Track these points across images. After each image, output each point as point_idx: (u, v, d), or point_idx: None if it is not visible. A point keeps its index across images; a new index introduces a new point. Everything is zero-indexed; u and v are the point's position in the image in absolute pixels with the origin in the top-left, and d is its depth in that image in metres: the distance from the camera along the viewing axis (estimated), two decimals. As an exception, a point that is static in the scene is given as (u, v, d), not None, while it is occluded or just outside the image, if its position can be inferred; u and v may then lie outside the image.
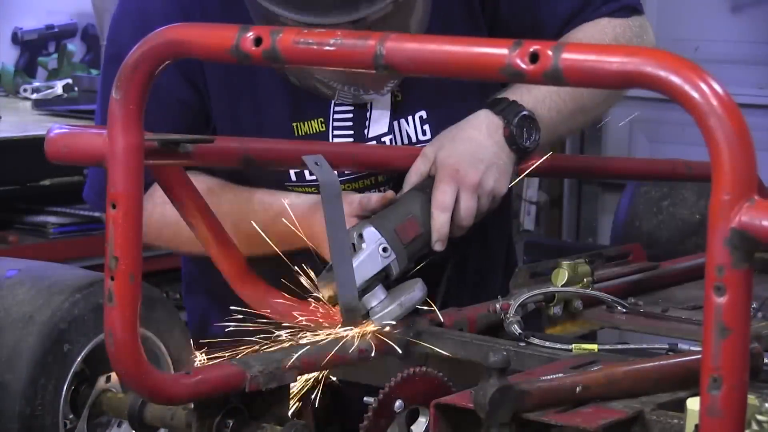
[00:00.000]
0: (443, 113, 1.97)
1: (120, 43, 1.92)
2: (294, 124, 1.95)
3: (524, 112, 1.87)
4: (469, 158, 1.83)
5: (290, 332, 1.68)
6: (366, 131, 1.97)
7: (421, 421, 1.49)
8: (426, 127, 1.99)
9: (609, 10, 2.03)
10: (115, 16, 2.02)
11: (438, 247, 1.78)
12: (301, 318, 1.71)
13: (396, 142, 1.98)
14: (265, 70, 1.93)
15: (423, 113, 1.99)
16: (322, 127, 1.95)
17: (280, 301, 1.80)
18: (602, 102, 2.05)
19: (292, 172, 1.94)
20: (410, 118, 1.99)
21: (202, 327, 2.04)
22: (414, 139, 1.98)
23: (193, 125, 1.92)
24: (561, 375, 1.41)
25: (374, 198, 1.79)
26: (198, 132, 1.85)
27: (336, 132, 1.96)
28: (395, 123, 1.98)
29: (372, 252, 1.69)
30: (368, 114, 1.97)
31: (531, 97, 1.90)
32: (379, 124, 1.98)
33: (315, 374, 1.63)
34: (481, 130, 1.86)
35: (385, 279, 1.70)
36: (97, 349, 1.55)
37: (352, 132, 1.96)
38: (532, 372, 1.48)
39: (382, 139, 1.97)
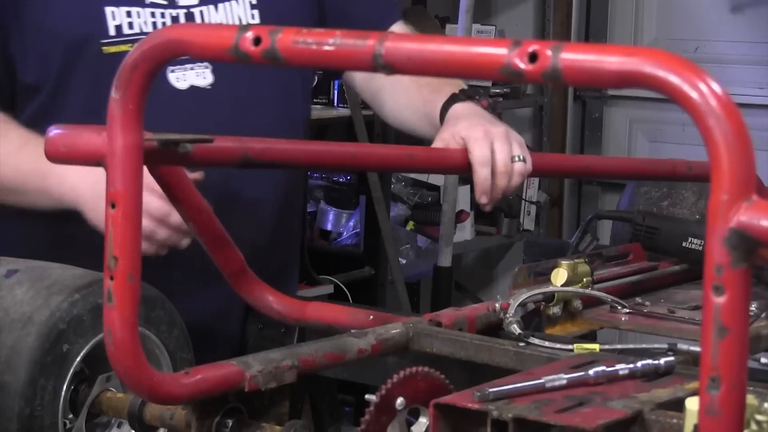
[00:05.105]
0: (271, 2, 2.02)
1: None
2: None
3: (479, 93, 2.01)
4: (488, 121, 1.91)
5: None
6: None
7: (422, 422, 1.49)
8: (255, 12, 2.01)
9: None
10: None
11: (483, 200, 1.86)
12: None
13: (220, 18, 1.98)
14: None
15: None
16: None
17: (280, 300, 1.81)
18: None
19: (110, 26, 1.93)
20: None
21: None
22: (244, 21, 1.99)
23: None
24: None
25: None
26: None
27: None
28: None
29: None
30: None
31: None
32: None
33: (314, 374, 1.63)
34: (472, 111, 1.96)
35: None
36: (97, 349, 1.55)
37: None
38: (532, 372, 1.48)
39: (197, 9, 1.98)
